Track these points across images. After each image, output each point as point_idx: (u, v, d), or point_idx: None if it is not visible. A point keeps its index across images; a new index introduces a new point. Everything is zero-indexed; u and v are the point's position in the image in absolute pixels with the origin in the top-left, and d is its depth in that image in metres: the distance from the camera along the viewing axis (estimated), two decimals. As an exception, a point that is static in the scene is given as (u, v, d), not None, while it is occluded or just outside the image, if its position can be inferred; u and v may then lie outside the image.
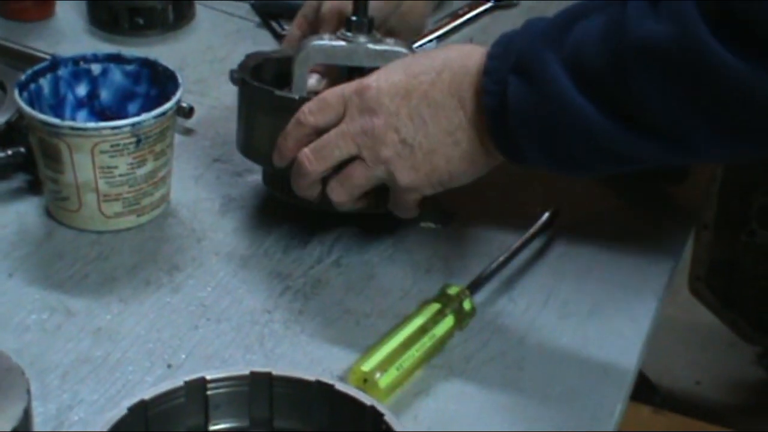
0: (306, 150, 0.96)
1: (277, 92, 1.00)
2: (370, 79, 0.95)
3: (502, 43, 0.92)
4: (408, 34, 1.17)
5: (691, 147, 0.86)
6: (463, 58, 0.94)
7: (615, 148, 0.87)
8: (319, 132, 0.96)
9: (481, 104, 0.92)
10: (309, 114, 0.96)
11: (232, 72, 1.07)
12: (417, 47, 1.27)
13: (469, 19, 1.42)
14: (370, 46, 1.03)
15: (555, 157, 0.91)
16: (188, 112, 1.18)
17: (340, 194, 0.97)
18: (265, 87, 1.01)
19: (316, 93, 0.99)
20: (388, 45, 1.03)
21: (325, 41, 1.03)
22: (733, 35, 0.79)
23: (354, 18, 1.03)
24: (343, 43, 1.03)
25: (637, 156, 0.89)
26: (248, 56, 1.08)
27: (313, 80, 1.09)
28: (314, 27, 1.14)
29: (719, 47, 0.79)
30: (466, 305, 0.93)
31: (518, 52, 0.89)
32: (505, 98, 0.90)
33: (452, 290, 0.94)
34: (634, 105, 0.85)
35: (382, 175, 0.95)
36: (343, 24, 1.06)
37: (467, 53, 0.94)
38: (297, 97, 0.99)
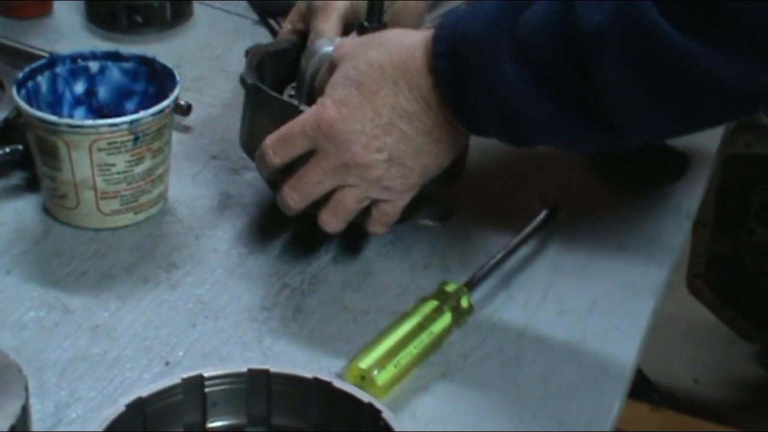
0: (287, 188, 0.96)
1: (302, 106, 0.98)
2: (329, 109, 0.92)
3: (444, 38, 0.91)
4: None
5: (645, 127, 0.87)
6: (409, 58, 0.92)
7: (572, 134, 0.89)
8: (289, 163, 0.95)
9: (445, 101, 0.92)
10: (273, 155, 0.95)
11: (242, 77, 1.05)
12: None
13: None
14: None
15: (522, 141, 0.93)
16: (186, 110, 1.18)
17: (333, 223, 0.96)
18: (282, 99, 1.01)
19: None
20: None
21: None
22: (682, 15, 0.79)
23: (366, 24, 1.03)
24: None
25: (590, 140, 0.90)
26: (249, 54, 1.08)
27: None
28: (305, 20, 1.13)
29: (669, 27, 0.79)
30: (464, 302, 0.93)
31: (468, 53, 0.89)
32: (464, 101, 0.90)
33: (450, 287, 0.94)
34: (589, 92, 0.85)
35: (376, 193, 0.95)
36: (338, 17, 1.05)
37: (410, 51, 0.93)
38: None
